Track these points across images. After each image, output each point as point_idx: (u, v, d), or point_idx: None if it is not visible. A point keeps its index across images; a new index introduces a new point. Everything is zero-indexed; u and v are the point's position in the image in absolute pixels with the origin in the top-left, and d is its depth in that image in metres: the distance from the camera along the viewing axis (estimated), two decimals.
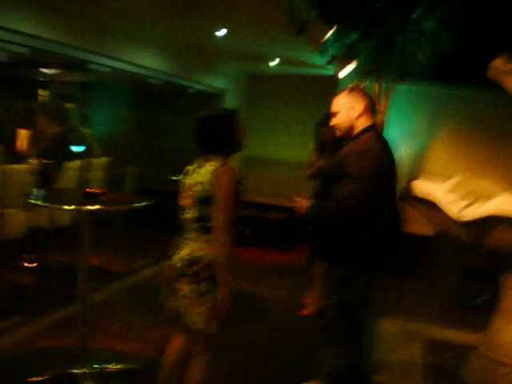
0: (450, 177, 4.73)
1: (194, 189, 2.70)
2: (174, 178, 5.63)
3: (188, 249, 2.69)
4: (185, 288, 2.66)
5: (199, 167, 2.74)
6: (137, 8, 4.78)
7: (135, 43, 5.96)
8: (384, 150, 2.95)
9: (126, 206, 3.42)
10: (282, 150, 8.92)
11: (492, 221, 2.78)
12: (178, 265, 2.68)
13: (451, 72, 7.04)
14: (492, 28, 6.48)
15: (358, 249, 2.88)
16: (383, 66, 6.96)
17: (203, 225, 2.66)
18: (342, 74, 6.66)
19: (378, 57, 6.96)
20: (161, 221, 6.77)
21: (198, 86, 7.72)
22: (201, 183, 2.66)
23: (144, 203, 3.40)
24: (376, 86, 6.92)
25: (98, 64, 5.72)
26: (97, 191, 3.50)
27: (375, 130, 3.02)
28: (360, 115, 2.98)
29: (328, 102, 3.02)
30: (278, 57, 6.97)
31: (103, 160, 6.05)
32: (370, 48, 6.97)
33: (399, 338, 4.26)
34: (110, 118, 8.49)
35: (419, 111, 7.98)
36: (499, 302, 3.56)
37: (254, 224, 7.04)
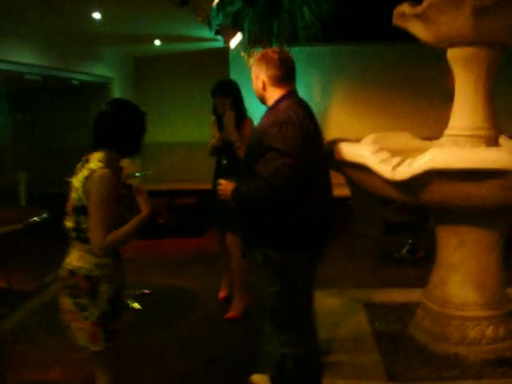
0: (355, 135, 4.62)
1: (72, 195, 2.41)
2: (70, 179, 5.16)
3: (69, 258, 2.46)
4: (66, 301, 2.43)
5: (82, 167, 2.42)
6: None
7: (6, 38, 5.35)
8: (307, 117, 2.69)
9: (22, 223, 3.00)
10: (179, 132, 8.53)
11: (429, 176, 2.63)
12: (61, 275, 2.45)
13: (342, 30, 6.99)
14: None
15: (297, 228, 2.64)
16: (272, 30, 6.80)
17: (80, 235, 2.42)
18: (233, 44, 6.40)
19: (264, 22, 6.79)
20: (60, 227, 6.22)
21: (81, 77, 7.16)
22: (76, 189, 2.37)
23: (43, 216, 3.03)
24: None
25: None
26: None
27: (294, 97, 2.77)
28: (267, 84, 2.75)
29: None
30: (164, 34, 6.57)
31: None
32: (255, 14, 6.78)
33: (340, 309, 4.11)
34: None
35: (315, 72, 7.91)
36: (438, 256, 3.48)
37: (167, 212, 6.84)
